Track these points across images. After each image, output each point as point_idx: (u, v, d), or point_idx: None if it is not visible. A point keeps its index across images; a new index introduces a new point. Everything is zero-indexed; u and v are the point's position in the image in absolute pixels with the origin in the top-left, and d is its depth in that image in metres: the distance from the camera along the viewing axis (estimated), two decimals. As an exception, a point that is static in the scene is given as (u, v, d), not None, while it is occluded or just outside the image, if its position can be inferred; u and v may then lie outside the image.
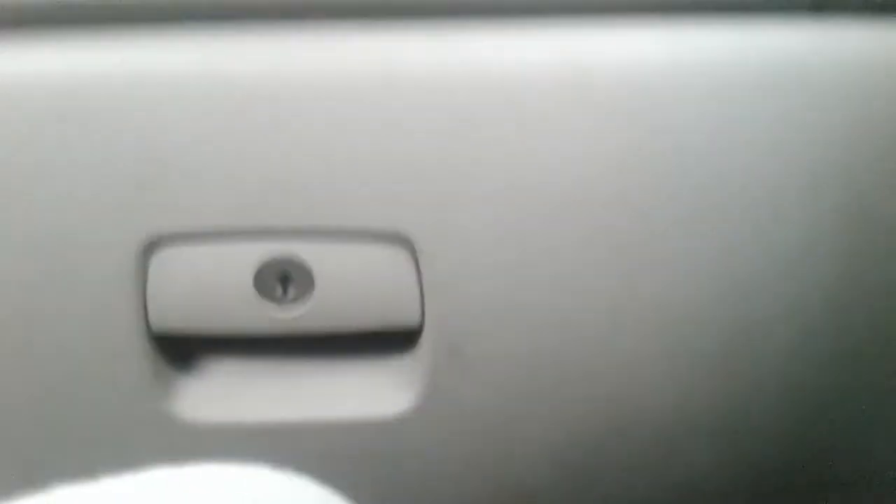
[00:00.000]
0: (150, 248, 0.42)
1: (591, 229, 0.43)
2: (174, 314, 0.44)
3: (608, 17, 0.41)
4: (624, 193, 0.43)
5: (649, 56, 0.41)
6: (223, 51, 0.40)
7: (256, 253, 0.43)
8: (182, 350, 0.47)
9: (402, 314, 0.45)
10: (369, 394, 0.48)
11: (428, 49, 0.41)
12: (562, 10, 0.41)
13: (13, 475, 0.48)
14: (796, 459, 0.52)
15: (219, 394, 0.48)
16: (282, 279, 0.43)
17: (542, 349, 0.46)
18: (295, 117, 0.40)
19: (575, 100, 0.41)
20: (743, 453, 0.51)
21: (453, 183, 0.42)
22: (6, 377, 0.45)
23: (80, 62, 0.40)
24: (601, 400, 0.49)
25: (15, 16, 0.40)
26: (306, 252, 0.43)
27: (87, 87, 0.40)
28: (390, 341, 0.49)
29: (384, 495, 0.51)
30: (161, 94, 0.40)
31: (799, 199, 0.43)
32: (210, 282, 0.43)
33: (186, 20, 0.40)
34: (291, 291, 0.44)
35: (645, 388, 0.48)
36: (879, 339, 0.49)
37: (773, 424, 0.50)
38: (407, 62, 0.41)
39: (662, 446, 0.51)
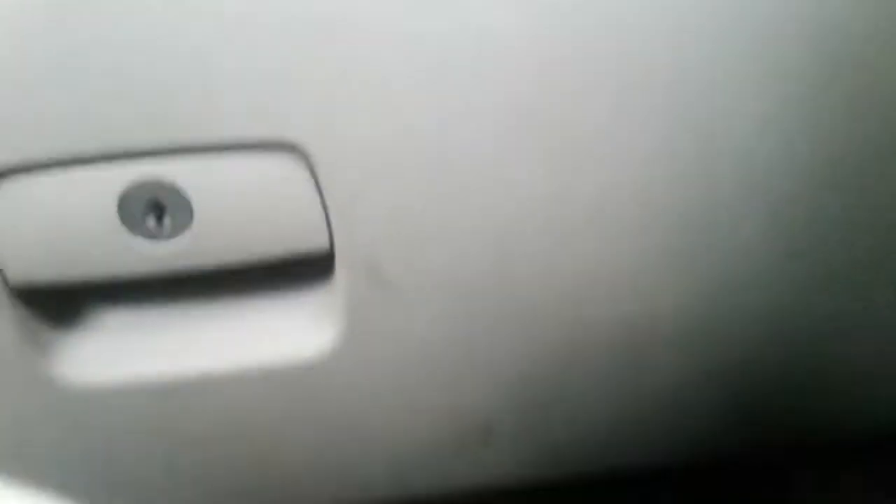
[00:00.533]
0: None
1: (522, 117, 0.36)
2: (33, 262, 0.37)
3: None
4: (554, 74, 0.36)
5: None
6: None
7: (117, 180, 0.36)
8: (56, 303, 0.40)
9: (304, 237, 0.38)
10: (284, 334, 0.42)
11: None
12: None
13: None
14: (772, 367, 0.46)
15: (107, 349, 0.41)
16: (153, 208, 0.36)
17: (476, 263, 0.40)
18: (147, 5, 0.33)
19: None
20: (714, 366, 0.45)
21: (346, 74, 0.34)
22: None
23: None
24: (553, 317, 0.43)
25: None
26: (179, 174, 0.36)
27: None
28: (301, 273, 0.42)
29: (314, 444, 0.45)
30: None
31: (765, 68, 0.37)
32: (67, 220, 0.36)
33: None
34: (167, 222, 0.37)
35: (601, 300, 0.42)
36: (872, 235, 0.43)
37: (745, 333, 0.44)
38: None
39: (626, 363, 0.45)
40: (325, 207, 0.37)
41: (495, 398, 0.46)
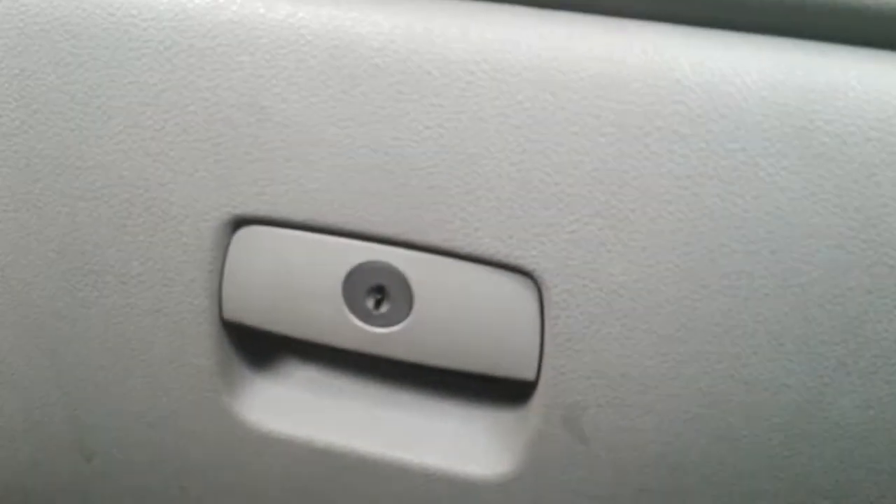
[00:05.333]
0: (235, 224, 0.36)
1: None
2: (250, 304, 0.37)
3: None
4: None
5: None
6: (362, 13, 0.33)
7: (350, 255, 0.35)
8: (257, 345, 0.41)
9: (514, 362, 0.36)
10: (460, 445, 0.40)
11: (602, 44, 0.31)
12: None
13: (66, 439, 0.44)
14: None
15: (291, 402, 0.41)
16: (375, 292, 0.36)
17: (691, 449, 0.36)
18: (429, 106, 0.32)
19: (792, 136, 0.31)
20: None
21: (607, 217, 0.32)
22: (64, 331, 0.40)
23: None
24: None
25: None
26: (408, 266, 0.35)
27: (199, 22, 0.33)
28: (496, 389, 0.40)
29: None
30: (281, 49, 0.33)
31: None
32: (293, 278, 0.36)
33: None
34: (385, 307, 0.36)
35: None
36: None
37: None
38: (577, 54, 0.31)
39: None
40: (542, 341, 0.35)
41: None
